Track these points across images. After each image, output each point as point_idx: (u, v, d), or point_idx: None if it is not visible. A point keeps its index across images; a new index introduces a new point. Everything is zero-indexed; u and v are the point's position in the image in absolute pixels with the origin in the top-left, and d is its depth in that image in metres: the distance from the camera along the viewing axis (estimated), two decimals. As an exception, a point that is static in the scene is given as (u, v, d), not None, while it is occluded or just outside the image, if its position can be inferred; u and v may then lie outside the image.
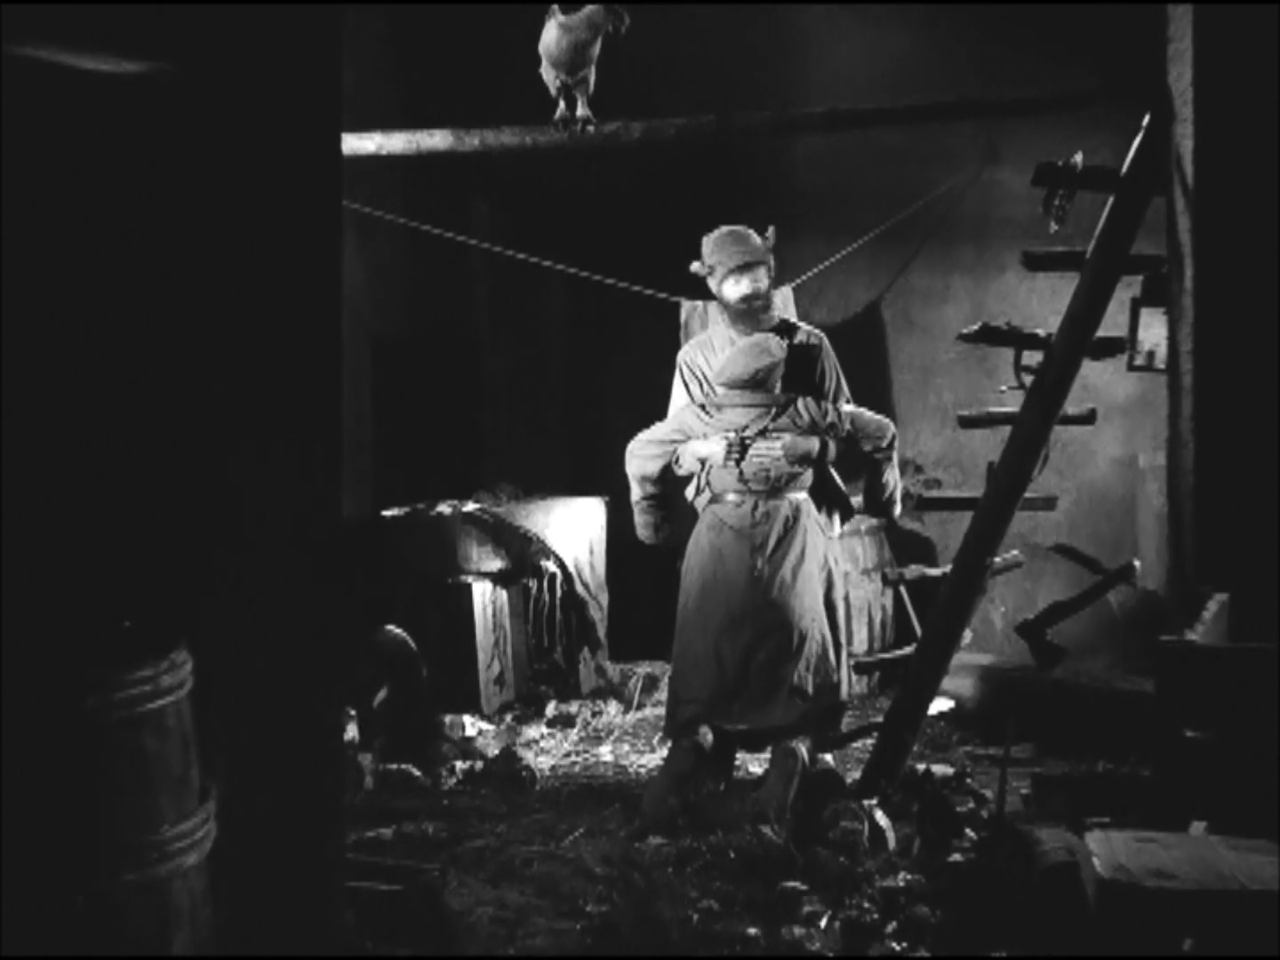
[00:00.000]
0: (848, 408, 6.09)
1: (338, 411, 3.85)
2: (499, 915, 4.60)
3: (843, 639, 6.01)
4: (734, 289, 6.05)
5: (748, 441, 5.95)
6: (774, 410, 5.96)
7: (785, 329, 6.19)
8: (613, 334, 8.81)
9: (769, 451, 5.93)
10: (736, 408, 6.00)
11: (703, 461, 6.00)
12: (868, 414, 6.11)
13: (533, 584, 7.64)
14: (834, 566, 6.02)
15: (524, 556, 7.58)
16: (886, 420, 6.13)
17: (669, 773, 5.70)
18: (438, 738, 6.51)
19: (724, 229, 6.12)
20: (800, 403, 5.98)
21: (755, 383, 5.95)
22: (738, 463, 5.94)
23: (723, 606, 5.89)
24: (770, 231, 6.15)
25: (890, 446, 6.07)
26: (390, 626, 6.53)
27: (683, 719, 5.84)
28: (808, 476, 5.96)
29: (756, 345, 6.00)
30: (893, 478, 6.16)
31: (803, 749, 5.65)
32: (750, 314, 6.06)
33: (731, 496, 5.99)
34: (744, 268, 6.02)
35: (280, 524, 3.71)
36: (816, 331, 6.29)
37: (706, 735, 5.75)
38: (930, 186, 7.77)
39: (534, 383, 9.13)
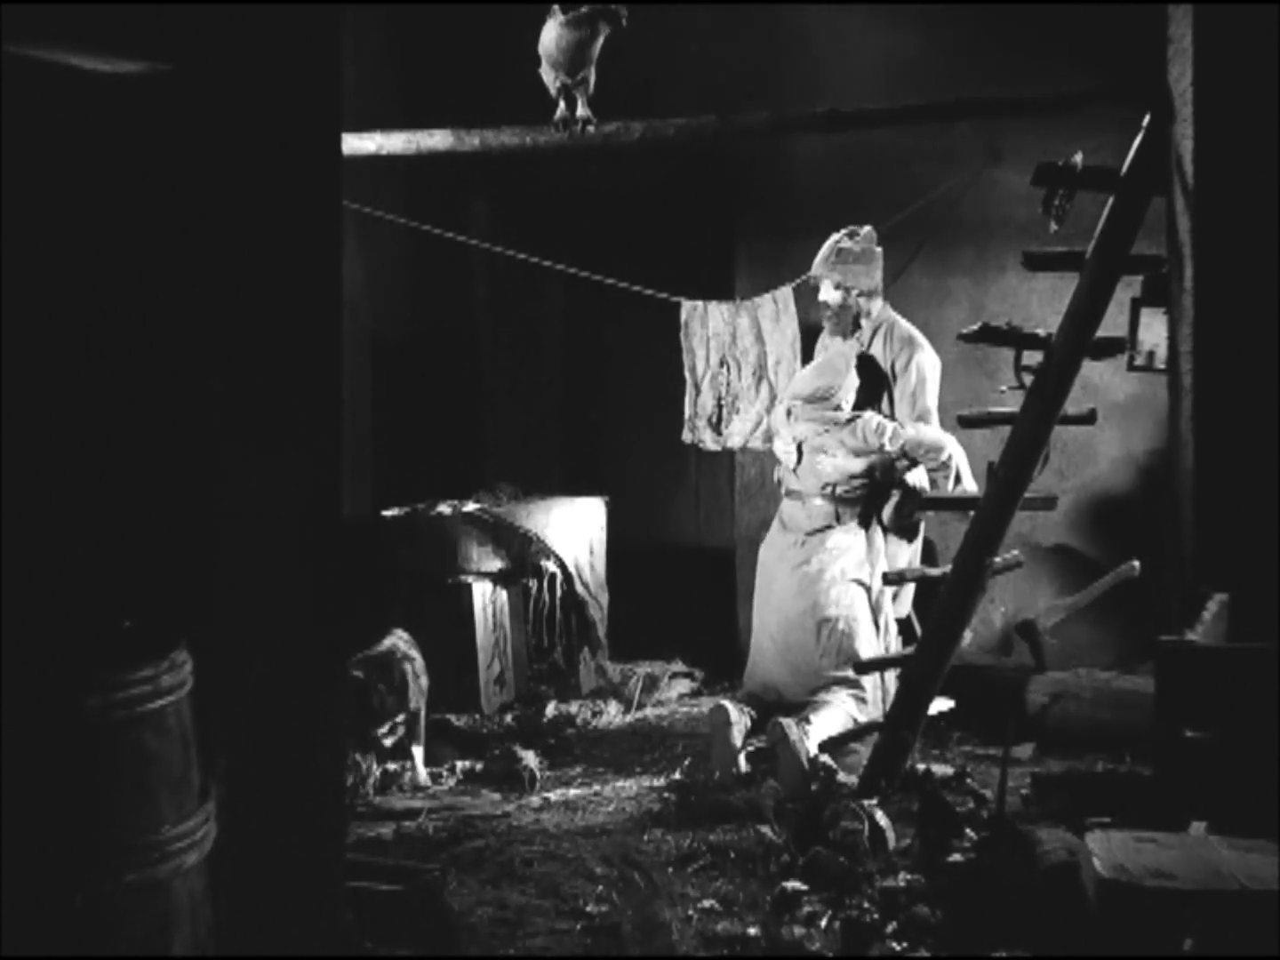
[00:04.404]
0: (907, 430, 6.55)
1: (338, 411, 3.85)
2: (499, 915, 4.61)
3: (879, 641, 6.49)
4: (820, 295, 6.87)
5: (803, 453, 6.62)
6: (829, 428, 6.56)
7: (882, 333, 6.76)
8: (612, 334, 8.81)
9: (823, 464, 6.56)
10: (801, 421, 6.65)
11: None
12: (925, 434, 6.58)
13: (533, 584, 7.64)
14: (870, 572, 6.51)
15: (524, 556, 7.58)
16: (943, 439, 6.55)
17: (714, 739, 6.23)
18: (439, 737, 6.53)
19: (835, 235, 6.87)
20: (860, 423, 6.52)
21: (816, 399, 6.62)
22: (795, 470, 6.64)
23: (773, 596, 6.59)
24: (860, 233, 6.84)
25: (945, 465, 6.50)
26: (397, 630, 6.52)
27: (742, 690, 6.68)
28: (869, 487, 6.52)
29: (828, 364, 6.72)
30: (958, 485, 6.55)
31: (792, 727, 5.92)
32: (829, 320, 6.84)
33: (792, 499, 6.67)
34: (821, 278, 6.85)
35: (280, 524, 3.71)
36: (908, 335, 6.80)
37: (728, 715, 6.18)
38: (930, 186, 7.76)
39: (534, 383, 9.13)
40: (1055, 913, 3.84)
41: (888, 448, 6.46)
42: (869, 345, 6.77)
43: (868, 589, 6.50)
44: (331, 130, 3.86)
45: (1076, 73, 6.89)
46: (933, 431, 6.61)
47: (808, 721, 6.02)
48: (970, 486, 6.59)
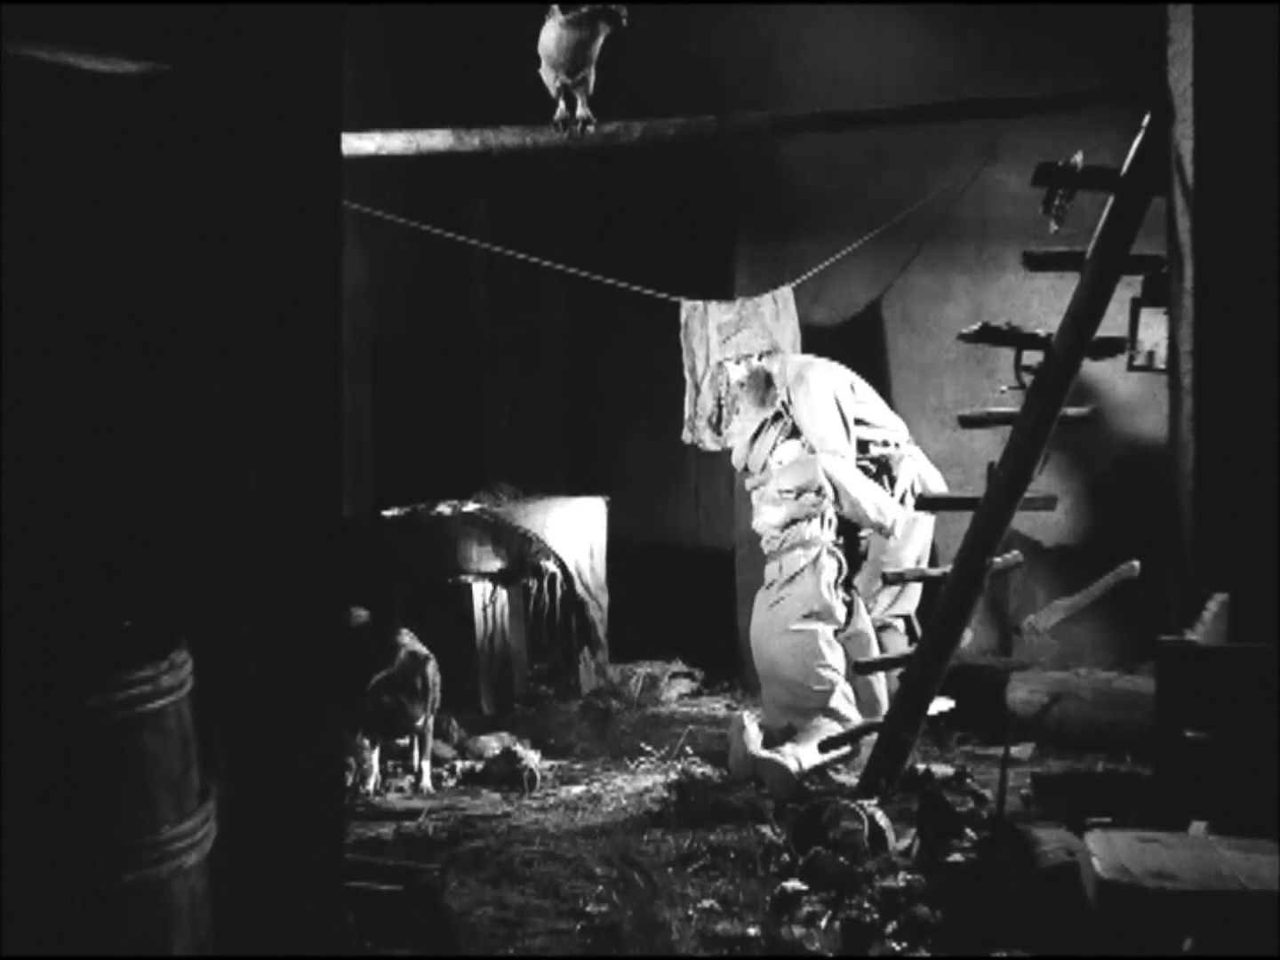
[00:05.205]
0: (780, 474, 6.91)
1: (338, 412, 3.85)
2: (499, 915, 4.61)
3: (833, 660, 6.59)
4: (733, 379, 7.23)
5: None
6: (760, 492, 6.99)
7: (788, 381, 7.02)
8: (613, 334, 8.81)
9: (759, 525, 6.94)
10: (750, 493, 7.08)
11: None
12: (793, 471, 6.84)
13: (533, 584, 7.65)
14: (824, 608, 6.66)
15: (524, 556, 7.58)
16: (813, 467, 6.77)
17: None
18: (440, 737, 6.54)
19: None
20: (774, 479, 6.92)
21: (744, 469, 7.12)
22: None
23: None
24: (733, 305, 7.50)
25: (829, 486, 6.74)
26: (404, 630, 6.52)
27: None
28: (811, 533, 6.72)
29: (740, 437, 7.17)
30: (847, 506, 6.80)
31: (747, 719, 6.30)
32: (748, 394, 7.11)
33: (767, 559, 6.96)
34: (723, 363, 7.33)
35: (280, 524, 3.71)
36: (795, 373, 7.02)
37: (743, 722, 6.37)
38: (930, 186, 7.76)
39: (534, 383, 9.13)
40: (1055, 913, 3.84)
41: (782, 489, 6.82)
42: (786, 398, 7.04)
43: (823, 618, 6.66)
44: (331, 130, 3.86)
45: (1076, 73, 6.89)
46: (794, 468, 6.87)
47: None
48: (859, 496, 6.76)
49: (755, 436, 7.11)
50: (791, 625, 6.64)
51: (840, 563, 6.78)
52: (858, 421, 6.94)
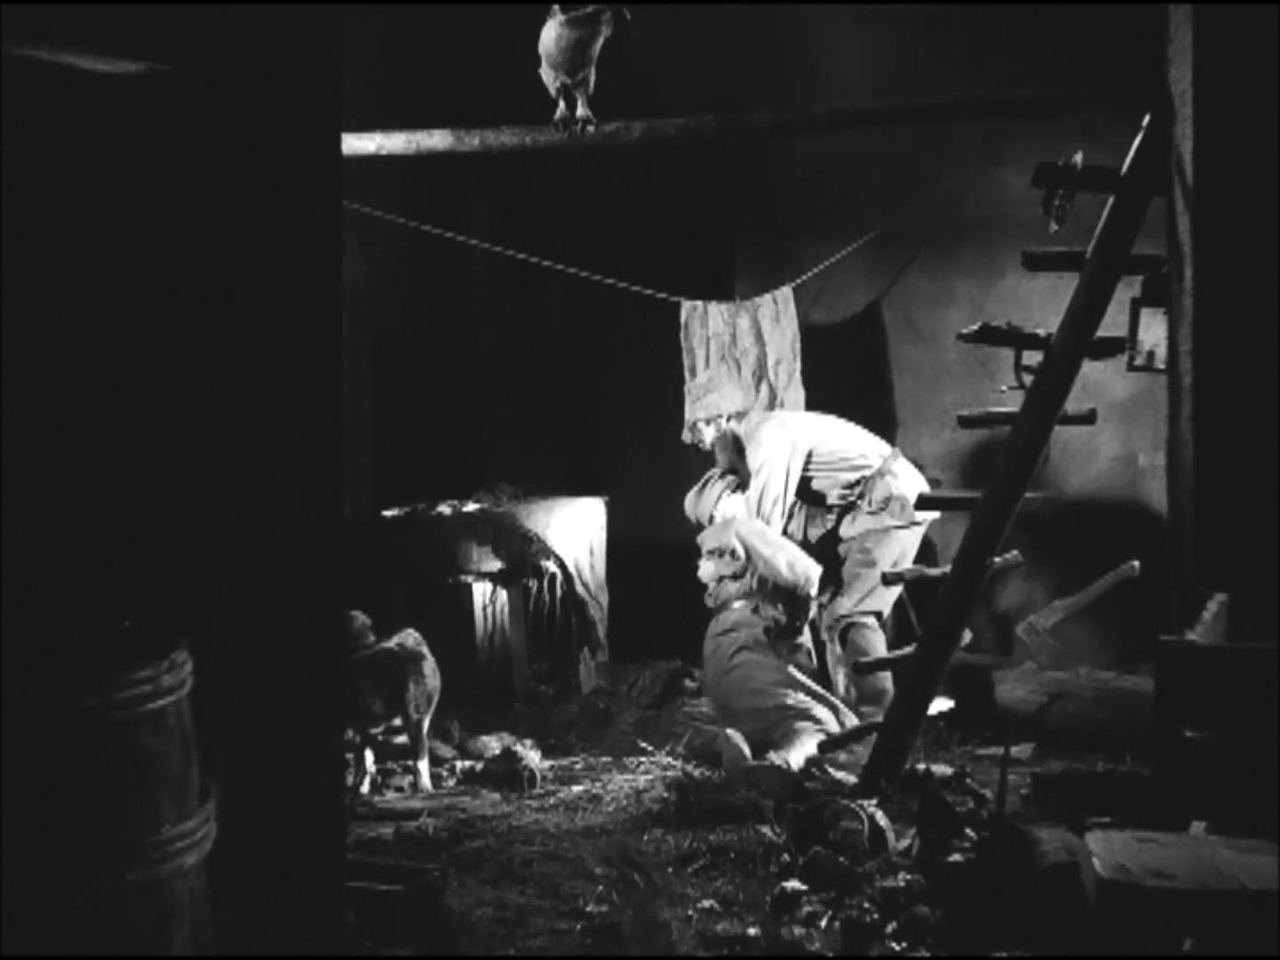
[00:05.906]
0: (705, 534, 7.11)
1: (338, 412, 3.85)
2: (499, 915, 4.61)
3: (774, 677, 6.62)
4: (706, 443, 7.45)
5: None
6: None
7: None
8: (612, 334, 8.81)
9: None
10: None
11: None
12: (714, 532, 7.05)
13: (533, 584, 7.65)
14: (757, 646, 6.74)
15: (524, 556, 7.58)
16: (726, 532, 6.95)
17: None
18: (440, 737, 6.54)
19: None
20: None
21: (695, 521, 7.32)
22: None
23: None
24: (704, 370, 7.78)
25: (740, 549, 6.88)
26: (408, 630, 6.50)
27: None
28: (742, 588, 6.86)
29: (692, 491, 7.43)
30: (761, 566, 6.89)
31: (732, 732, 6.20)
32: (720, 455, 7.37)
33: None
34: (696, 426, 7.45)
35: (280, 524, 3.71)
36: (749, 432, 7.23)
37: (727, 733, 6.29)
38: (930, 186, 7.76)
39: (534, 383, 9.13)
40: (1055, 913, 3.84)
41: (707, 548, 6.99)
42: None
43: (754, 650, 6.72)
44: (331, 130, 3.86)
45: (1077, 73, 6.89)
46: (715, 529, 7.06)
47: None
48: (770, 556, 6.84)
49: (702, 489, 7.32)
50: (726, 664, 6.70)
51: (775, 615, 6.84)
52: (808, 465, 7.07)
